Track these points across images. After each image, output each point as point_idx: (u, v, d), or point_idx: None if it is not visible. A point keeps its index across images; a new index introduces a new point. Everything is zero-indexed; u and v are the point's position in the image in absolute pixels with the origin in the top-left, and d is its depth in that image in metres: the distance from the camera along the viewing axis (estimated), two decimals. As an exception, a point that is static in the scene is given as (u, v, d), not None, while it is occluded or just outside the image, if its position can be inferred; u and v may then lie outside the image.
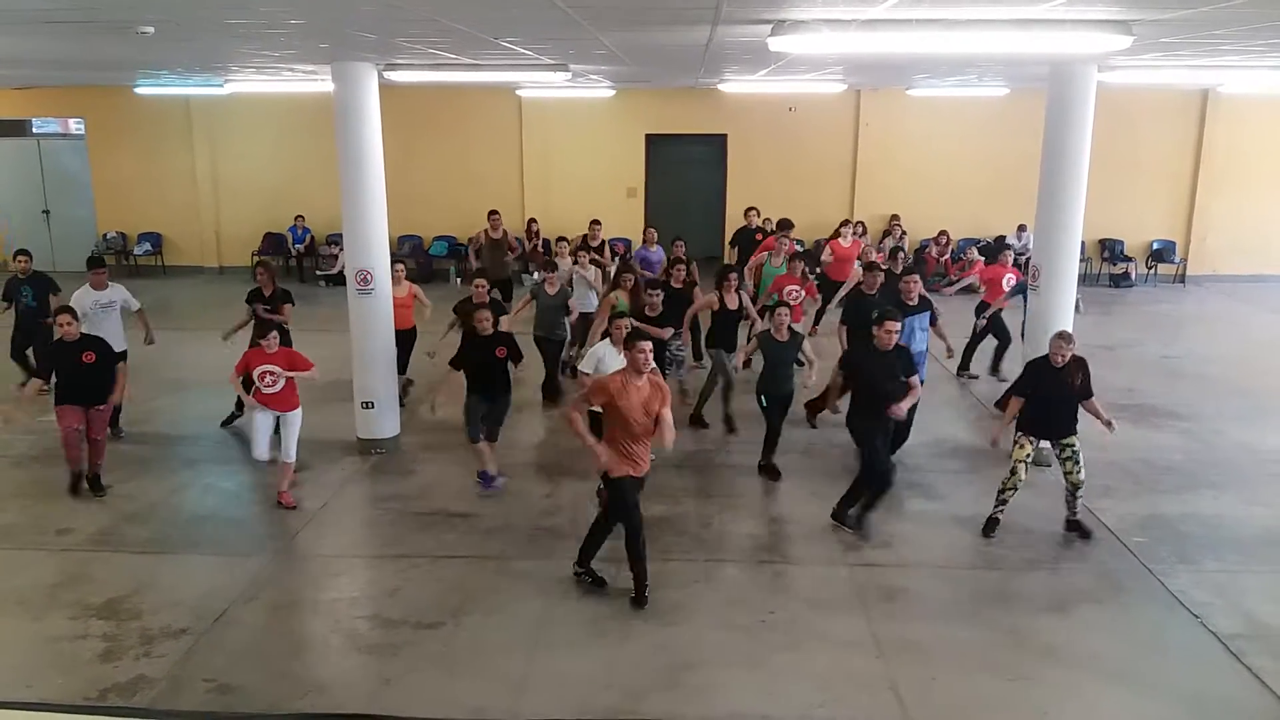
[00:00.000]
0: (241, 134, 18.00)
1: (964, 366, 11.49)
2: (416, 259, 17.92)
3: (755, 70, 11.59)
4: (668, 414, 6.26)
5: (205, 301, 15.65)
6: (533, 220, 17.61)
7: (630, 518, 6.34)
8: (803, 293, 10.40)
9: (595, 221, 12.91)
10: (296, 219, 17.88)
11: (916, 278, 9.02)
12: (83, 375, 7.84)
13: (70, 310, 8.06)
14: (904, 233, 16.31)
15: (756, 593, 6.56)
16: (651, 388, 6.23)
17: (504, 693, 5.44)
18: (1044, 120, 9.02)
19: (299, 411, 7.86)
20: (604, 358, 7.61)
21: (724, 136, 18.06)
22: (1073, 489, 7.21)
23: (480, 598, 6.45)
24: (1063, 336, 7.19)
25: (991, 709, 5.32)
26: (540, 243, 17.61)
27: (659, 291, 9.38)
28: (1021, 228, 16.78)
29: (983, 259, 13.68)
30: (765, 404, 8.40)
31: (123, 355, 8.58)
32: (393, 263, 9.78)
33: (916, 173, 17.64)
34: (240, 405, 9.28)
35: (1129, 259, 17.62)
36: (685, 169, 18.45)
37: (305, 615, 6.42)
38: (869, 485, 7.31)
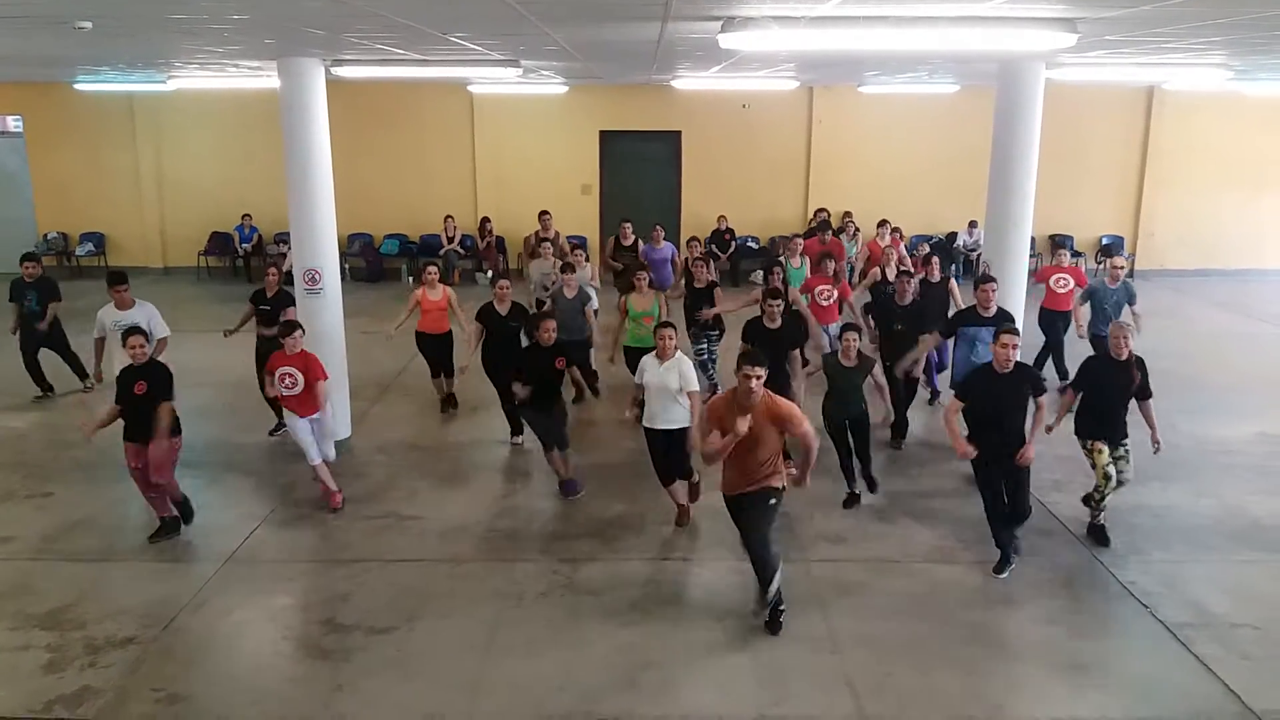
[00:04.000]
0: (186, 131, 17.68)
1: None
2: (366, 258, 17.75)
3: (708, 67, 11.61)
4: (805, 430, 5.77)
5: (151, 302, 15.31)
6: (486, 219, 17.50)
7: (742, 531, 6.01)
8: (835, 293, 9.89)
9: (545, 213, 12.80)
10: (243, 218, 17.61)
11: (996, 284, 8.37)
12: (134, 407, 6.99)
13: (141, 331, 7.12)
14: (857, 229, 16.42)
15: (714, 591, 6.55)
16: (765, 413, 5.65)
17: (459, 697, 5.38)
18: (993, 117, 9.13)
19: (328, 412, 7.68)
20: (647, 370, 7.16)
21: (678, 133, 18.06)
22: (1117, 485, 7.02)
23: (434, 601, 6.37)
24: (1123, 326, 6.90)
25: (946, 703, 5.35)
26: (494, 240, 17.51)
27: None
28: (972, 224, 16.97)
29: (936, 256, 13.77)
30: (830, 429, 7.74)
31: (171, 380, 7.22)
32: (425, 264, 9.79)
33: (869, 169, 17.78)
34: (279, 411, 8.88)
35: (1079, 254, 17.88)
36: (640, 165, 18.42)
37: (256, 622, 6.29)
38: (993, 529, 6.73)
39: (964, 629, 6.09)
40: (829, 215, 16.21)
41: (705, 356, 9.99)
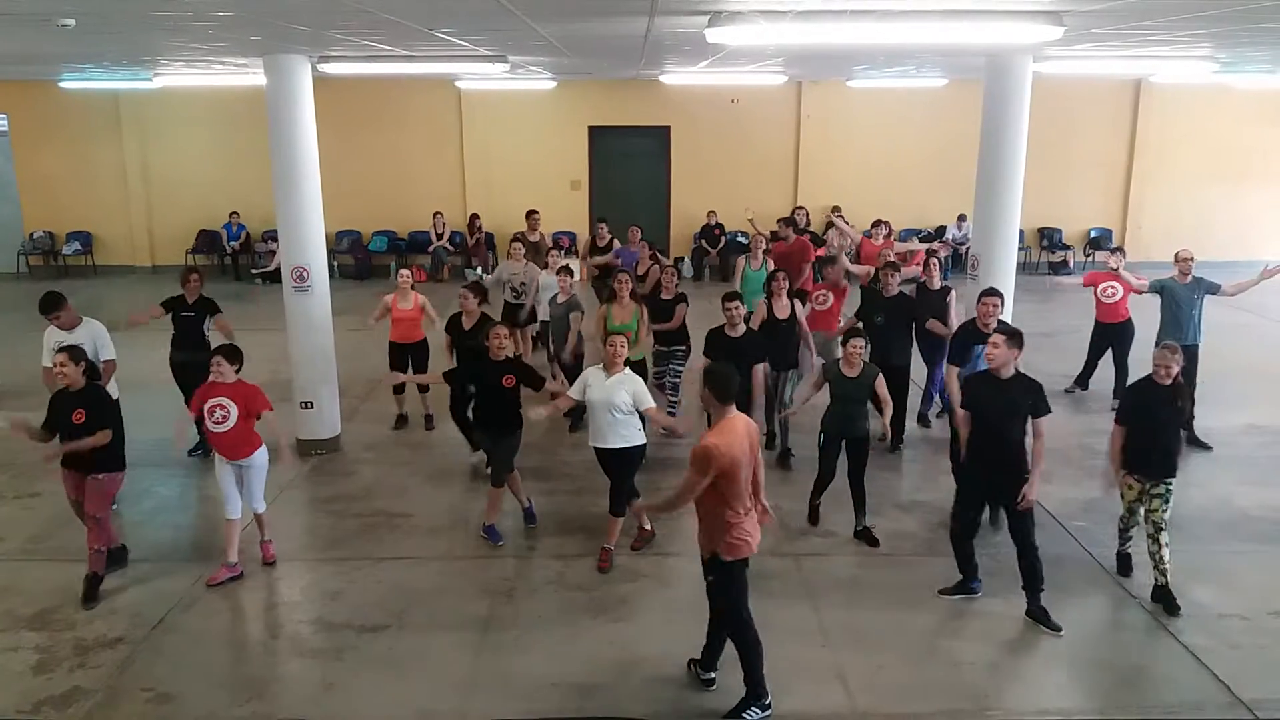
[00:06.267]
0: (173, 129, 17.61)
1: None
2: (355, 255, 17.70)
3: (696, 62, 11.60)
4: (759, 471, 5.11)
5: (138, 302, 15.12)
6: (475, 215, 17.46)
7: (738, 609, 5.14)
8: (831, 297, 9.31)
9: (532, 213, 12.63)
10: (231, 216, 17.55)
11: (1000, 300, 7.64)
12: (72, 436, 6.24)
13: (71, 350, 6.30)
14: (848, 223, 16.41)
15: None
16: (751, 435, 5.00)
17: (451, 694, 5.37)
18: (981, 110, 9.13)
19: (261, 454, 6.59)
20: (591, 383, 6.53)
21: (667, 128, 18.06)
22: (1155, 530, 6.21)
23: (424, 599, 6.37)
24: (1169, 347, 6.13)
25: (936, 695, 5.36)
26: (483, 237, 17.47)
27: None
28: (961, 217, 17.01)
29: (924, 248, 13.77)
30: (823, 443, 7.26)
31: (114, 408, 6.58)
32: (398, 268, 9.41)
33: (858, 163, 17.80)
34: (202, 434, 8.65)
35: (1067, 247, 17.95)
36: (629, 161, 18.41)
37: (246, 621, 6.29)
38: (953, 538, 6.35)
39: (954, 621, 6.11)
40: (806, 214, 15.94)
41: (665, 379, 9.03)
